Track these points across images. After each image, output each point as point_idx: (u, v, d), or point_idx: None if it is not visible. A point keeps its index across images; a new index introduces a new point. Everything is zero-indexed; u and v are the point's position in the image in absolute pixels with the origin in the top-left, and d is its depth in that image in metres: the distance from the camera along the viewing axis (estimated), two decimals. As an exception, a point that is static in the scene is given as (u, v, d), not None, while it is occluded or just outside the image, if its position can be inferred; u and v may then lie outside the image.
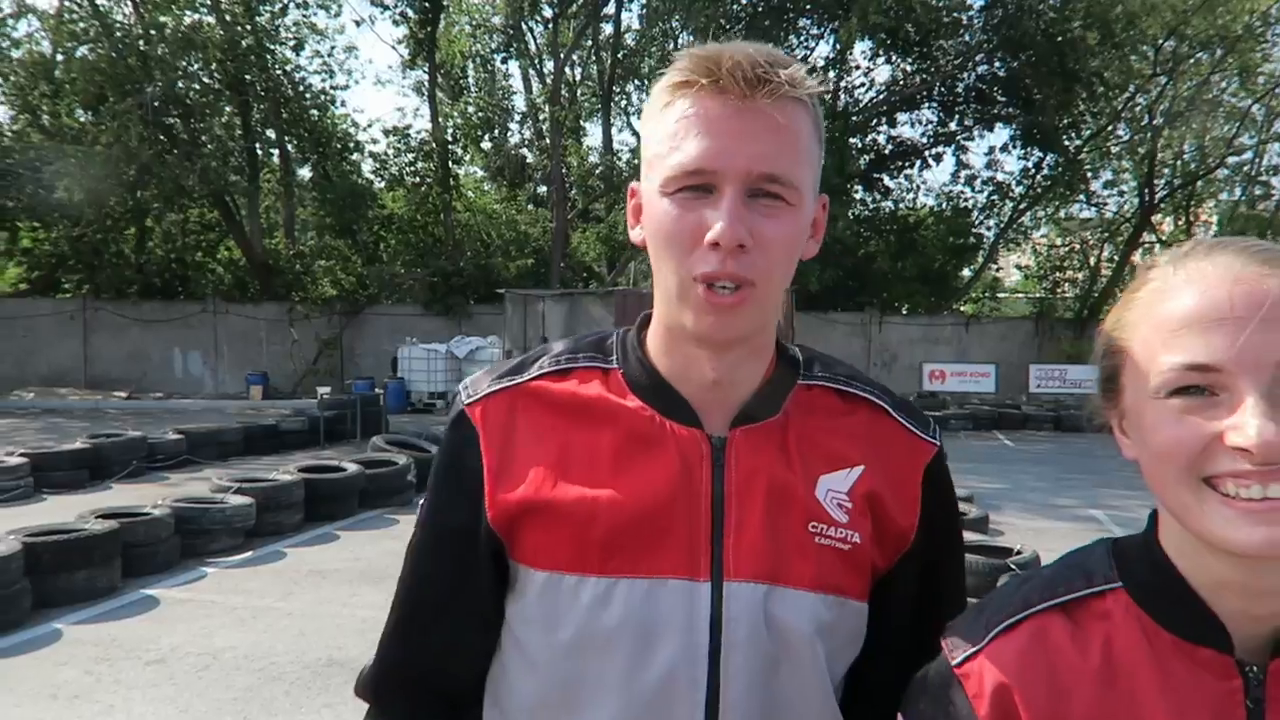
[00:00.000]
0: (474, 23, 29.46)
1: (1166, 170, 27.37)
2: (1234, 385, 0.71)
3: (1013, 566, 5.46)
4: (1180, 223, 28.19)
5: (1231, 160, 26.88)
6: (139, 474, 10.71)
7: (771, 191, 0.88)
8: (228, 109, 23.72)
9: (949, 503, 1.05)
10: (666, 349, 0.98)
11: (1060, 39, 22.87)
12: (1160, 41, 24.39)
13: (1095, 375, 0.87)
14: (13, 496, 9.03)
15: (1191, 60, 25.07)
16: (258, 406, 20.23)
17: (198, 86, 23.10)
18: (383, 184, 26.45)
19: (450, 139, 25.79)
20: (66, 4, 23.27)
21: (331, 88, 26.07)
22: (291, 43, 25.00)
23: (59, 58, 23.21)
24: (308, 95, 24.76)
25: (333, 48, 27.25)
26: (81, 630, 5.49)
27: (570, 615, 0.94)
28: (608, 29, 26.90)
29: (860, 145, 26.95)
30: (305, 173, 26.02)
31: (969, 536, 6.42)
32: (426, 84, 25.44)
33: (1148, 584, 0.82)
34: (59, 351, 23.53)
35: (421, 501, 1.08)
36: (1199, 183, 27.12)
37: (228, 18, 23.27)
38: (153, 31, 22.27)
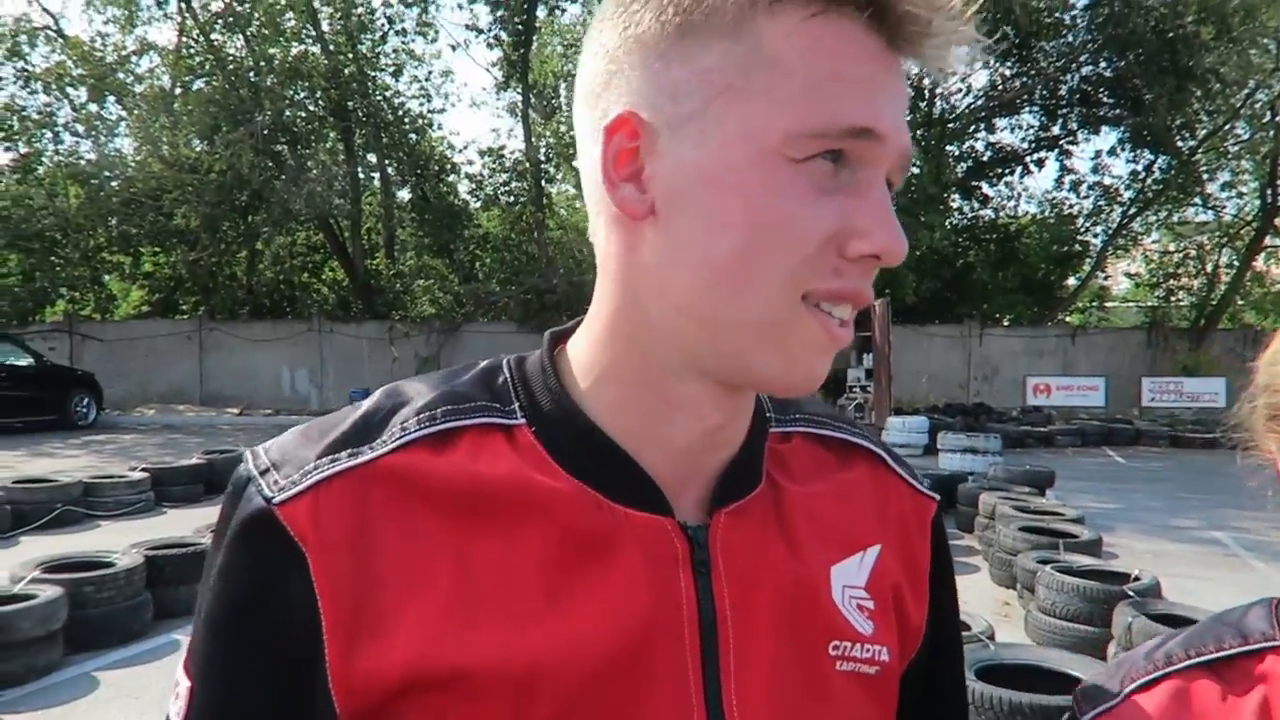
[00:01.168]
0: (565, 43, 29.92)
1: (1291, 170, 25.88)
2: None
3: (1130, 593, 5.17)
4: (1308, 225, 26.64)
5: (1363, 157, 25.29)
6: (249, 489, 11.12)
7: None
8: (332, 135, 24.64)
9: (953, 577, 0.80)
10: (621, 394, 0.65)
11: (1172, 35, 21.87)
12: (1282, 34, 23.13)
13: (1255, 404, 0.80)
14: (136, 510, 9.46)
15: (1318, 52, 23.69)
16: (360, 422, 20.86)
17: (303, 114, 24.08)
18: (478, 204, 27.07)
19: (543, 158, 26.21)
20: (184, 40, 24.58)
21: (429, 111, 26.96)
22: (391, 69, 25.84)
23: (177, 91, 24.46)
24: (407, 119, 25.54)
25: (430, 72, 28.11)
26: (195, 642, 5.70)
27: None
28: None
29: (958, 153, 26.35)
30: (405, 194, 26.82)
31: (1083, 560, 6.13)
32: (520, 105, 25.91)
33: None
34: (177, 370, 24.70)
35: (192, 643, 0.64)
36: (1327, 182, 25.56)
37: (331, 47, 24.19)
38: (262, 63, 23.33)
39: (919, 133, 25.18)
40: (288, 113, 23.28)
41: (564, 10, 27.02)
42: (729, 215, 0.58)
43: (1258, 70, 23.84)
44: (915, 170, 24.73)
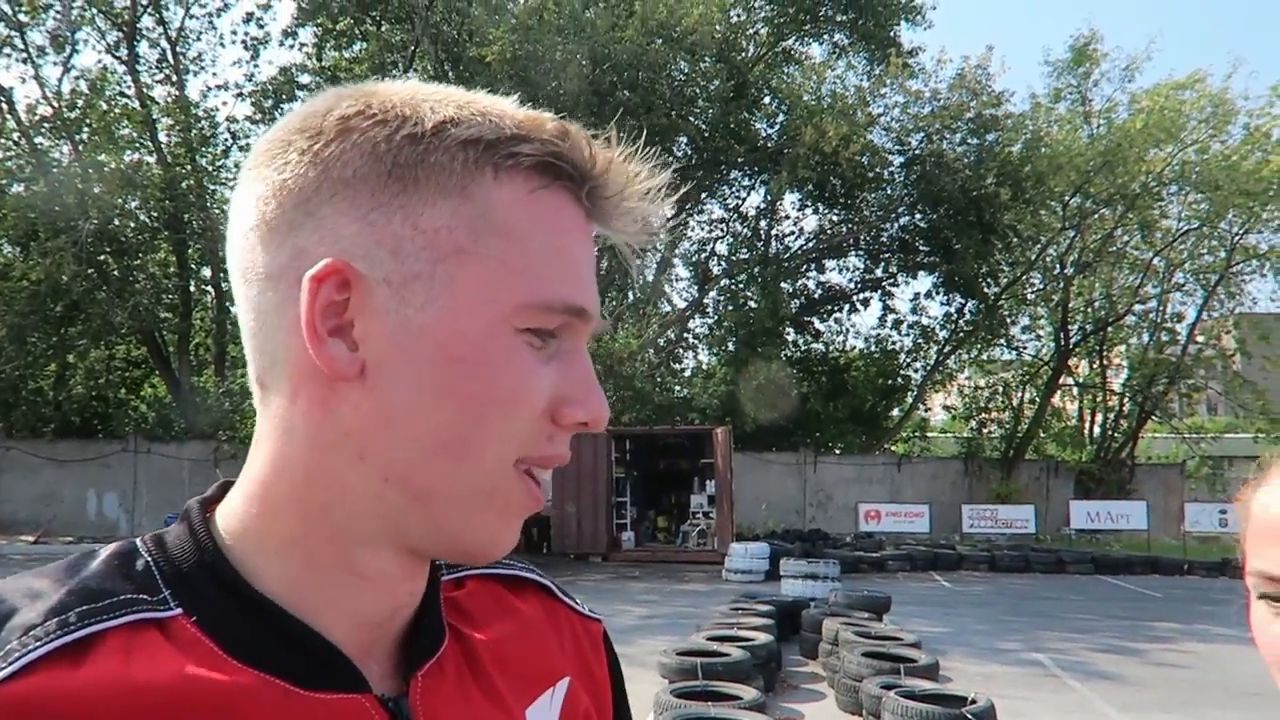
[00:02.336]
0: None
1: (1079, 316, 28.84)
2: None
3: (969, 716, 5.36)
4: (1095, 366, 29.51)
5: (1138, 308, 28.52)
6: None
7: None
8: (164, 246, 23.63)
9: (624, 693, 0.79)
10: (302, 569, 0.57)
11: (976, 194, 24.34)
12: (1067, 198, 26.15)
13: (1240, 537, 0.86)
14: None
15: (1096, 215, 26.89)
16: (175, 551, 19.34)
17: (134, 224, 23.04)
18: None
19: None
20: (1, 140, 23.26)
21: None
22: (232, 183, 25.23)
23: (-10, 193, 23.02)
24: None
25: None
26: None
27: None
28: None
29: (791, 290, 27.93)
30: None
31: (924, 685, 6.32)
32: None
33: None
34: (-37, 493, 22.34)
35: None
36: (1109, 329, 28.57)
37: (169, 158, 23.46)
38: (90, 170, 22.31)
39: (756, 270, 26.63)
40: (116, 221, 22.21)
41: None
42: (457, 383, 0.55)
43: (1048, 228, 26.79)
44: (753, 305, 26.04)
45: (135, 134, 23.56)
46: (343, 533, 0.57)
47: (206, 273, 24.99)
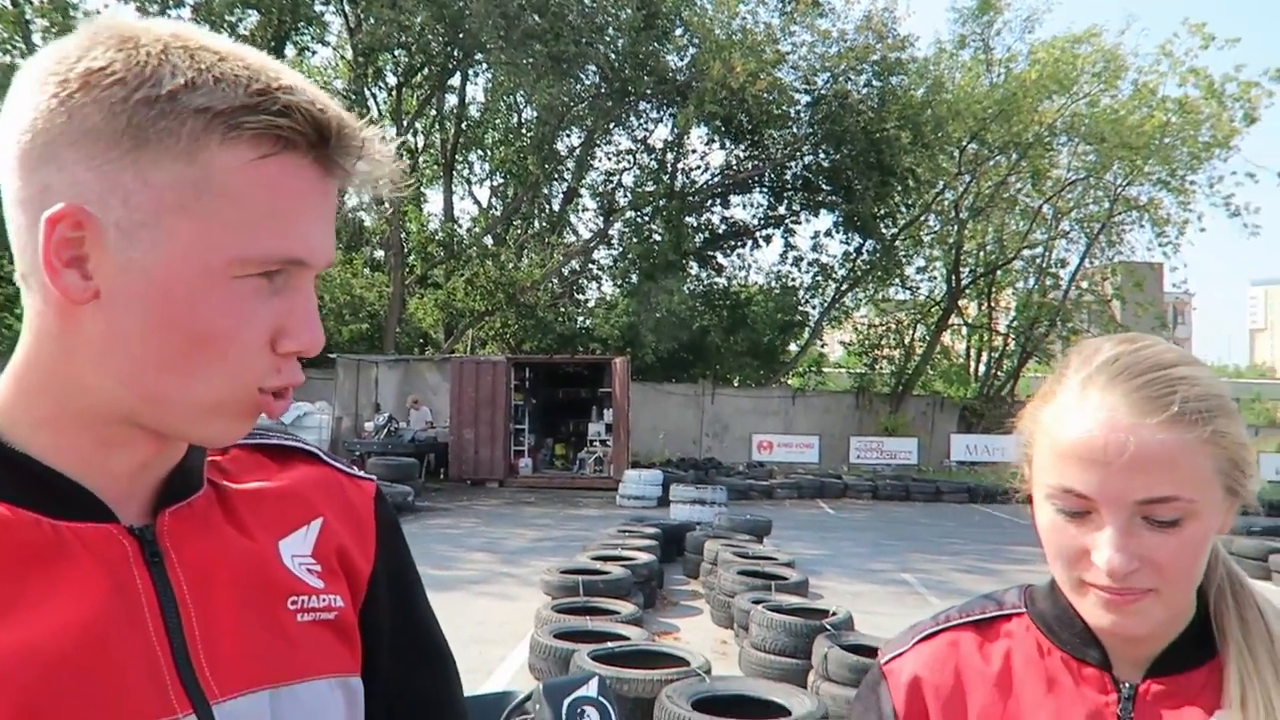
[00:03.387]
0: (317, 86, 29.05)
1: (971, 259, 29.92)
2: (1100, 512, 0.85)
3: (828, 627, 5.71)
4: (983, 307, 30.77)
5: (1026, 253, 29.76)
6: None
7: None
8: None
9: (401, 538, 0.93)
10: (63, 435, 0.68)
11: (877, 135, 24.81)
12: (964, 144, 26.89)
13: (1018, 448, 0.98)
14: None
15: (991, 162, 27.76)
16: None
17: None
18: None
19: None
20: None
21: None
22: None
23: None
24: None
25: None
26: None
27: None
28: (452, 99, 27.11)
29: (695, 224, 28.14)
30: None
31: (791, 600, 6.69)
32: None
33: (1046, 612, 0.97)
34: None
35: None
36: (998, 272, 29.76)
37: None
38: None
39: (661, 203, 26.69)
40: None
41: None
42: (177, 319, 0.64)
43: (945, 173, 27.56)
44: (657, 238, 26.15)
45: (6, 34, 21.94)
46: (87, 415, 0.68)
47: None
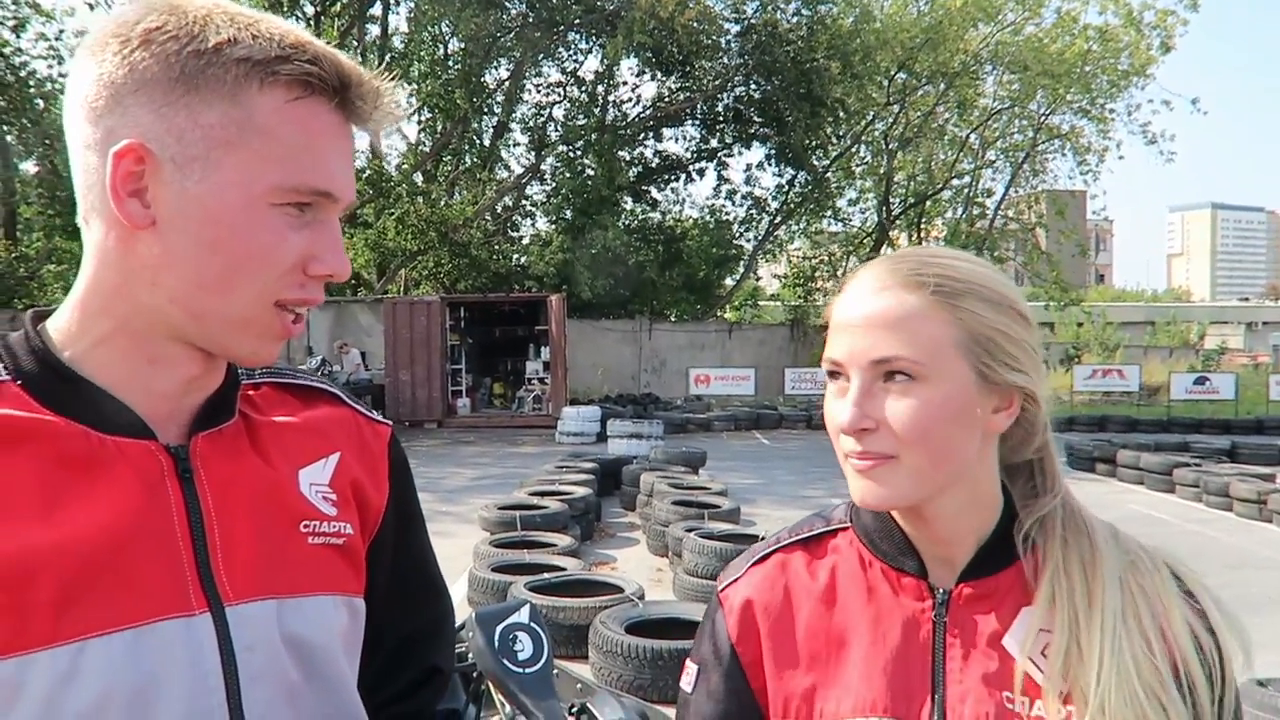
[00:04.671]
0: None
1: (901, 190, 30.30)
2: (848, 376, 0.90)
3: (758, 551, 5.93)
4: (914, 238, 31.27)
5: (954, 183, 30.23)
6: None
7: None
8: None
9: (410, 481, 1.03)
10: (117, 354, 0.80)
11: (807, 66, 24.74)
12: (893, 74, 27.00)
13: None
14: None
15: (919, 92, 27.93)
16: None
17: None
18: (123, 183, 24.40)
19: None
20: None
21: (60, 75, 23.73)
22: (11, 23, 22.55)
23: None
24: (31, 83, 22.41)
25: (61, 31, 24.71)
26: None
27: (18, 714, 0.70)
28: (374, 30, 26.23)
29: (629, 158, 27.89)
30: (30, 167, 23.53)
31: (723, 527, 6.91)
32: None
33: (869, 525, 0.99)
34: None
35: None
36: (928, 202, 30.21)
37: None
38: None
39: (593, 137, 26.38)
40: None
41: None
42: (220, 241, 0.76)
43: (875, 103, 27.68)
44: (590, 173, 25.90)
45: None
46: (140, 333, 0.80)
47: (-12, 125, 22.51)
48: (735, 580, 1.03)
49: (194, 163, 0.75)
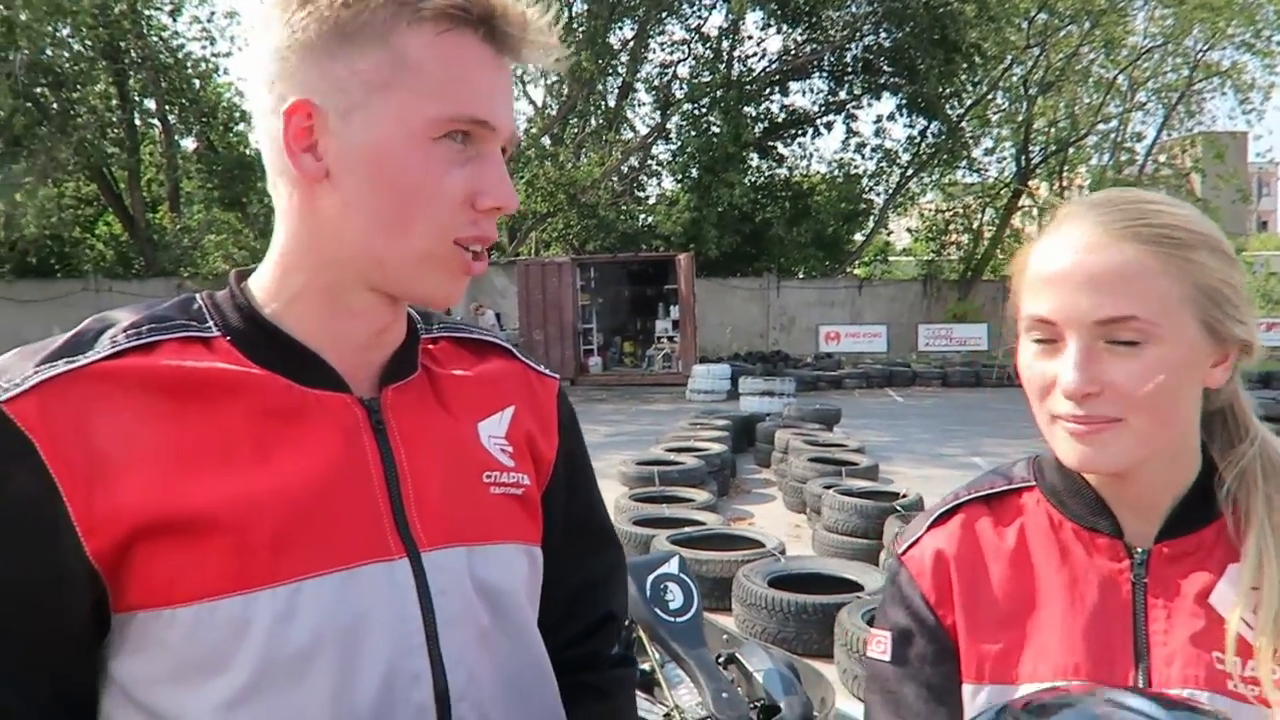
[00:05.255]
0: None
1: (1041, 137, 28.78)
2: (1065, 338, 0.86)
3: (898, 509, 5.90)
4: (1055, 187, 29.75)
5: (1100, 127, 28.49)
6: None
7: None
8: (103, 78, 22.64)
9: (578, 432, 1.06)
10: (312, 308, 0.83)
11: (941, 10, 23.73)
12: (1033, 14, 25.55)
13: (1011, 300, 1.00)
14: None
15: (1062, 32, 26.36)
16: (149, 387, 19.58)
17: (68, 54, 21.95)
18: (273, 155, 25.69)
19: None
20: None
21: (213, 55, 25.14)
22: (168, 7, 23.94)
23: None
24: (188, 63, 23.79)
25: (212, 13, 26.17)
26: None
27: (244, 648, 0.74)
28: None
29: (754, 114, 27.48)
30: (189, 144, 25.06)
31: (861, 484, 6.89)
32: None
33: (1056, 484, 0.97)
34: (-74, 336, 22.29)
35: None
36: (1071, 149, 28.61)
37: (99, -19, 22.11)
38: (15, -4, 21.03)
39: (718, 93, 26.12)
40: (49, 51, 21.13)
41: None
42: (389, 181, 0.78)
43: (1013, 46, 26.30)
44: (715, 130, 25.69)
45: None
46: (331, 286, 0.83)
47: (150, 105, 24.05)
48: (917, 540, 1.01)
49: (355, 110, 0.77)
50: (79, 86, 21.82)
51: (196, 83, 23.88)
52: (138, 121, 23.99)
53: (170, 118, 24.05)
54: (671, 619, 3.70)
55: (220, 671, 0.74)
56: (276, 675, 0.75)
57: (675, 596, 3.93)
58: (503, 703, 0.86)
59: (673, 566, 4.27)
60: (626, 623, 1.14)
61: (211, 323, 0.83)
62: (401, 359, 0.89)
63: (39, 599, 0.72)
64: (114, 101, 22.91)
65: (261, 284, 0.85)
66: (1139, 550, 0.92)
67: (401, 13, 0.77)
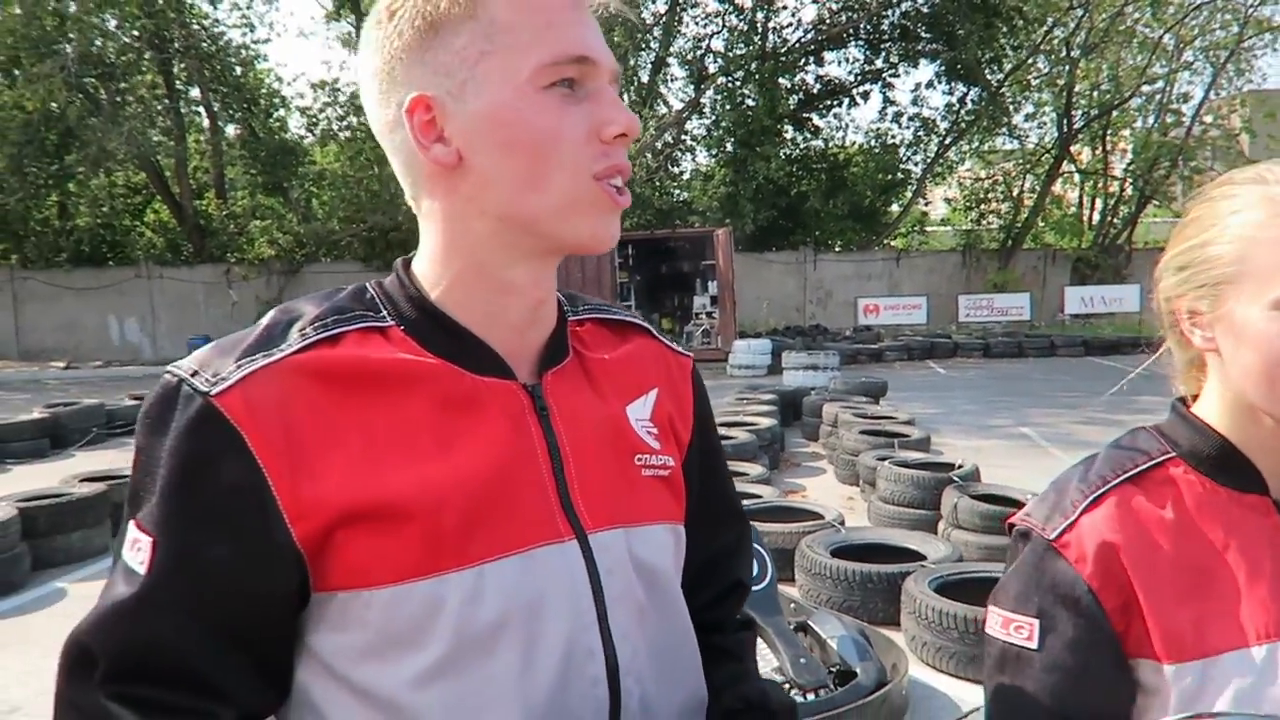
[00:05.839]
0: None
1: (1083, 101, 28.28)
2: None
3: (955, 479, 5.99)
4: (1097, 152, 29.25)
5: (1145, 89, 27.91)
6: (99, 441, 10.77)
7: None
8: (149, 68, 23.06)
9: (710, 410, 1.09)
10: (471, 291, 0.86)
11: (980, -26, 23.36)
12: (1075, -26, 25.06)
13: (1171, 274, 0.99)
14: (-25, 469, 9.07)
15: (1106, -9, 25.83)
16: (202, 370, 20.02)
17: (116, 45, 22.38)
18: (313, 140, 26.02)
19: (381, 91, 25.33)
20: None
21: (253, 42, 25.48)
22: (209, -5, 24.27)
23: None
24: (229, 51, 24.14)
25: (251, 1, 26.40)
26: (84, 587, 5.73)
27: (438, 626, 0.79)
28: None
29: (790, 85, 27.28)
30: (232, 131, 25.46)
31: (915, 456, 6.99)
32: (353, 35, 24.90)
33: (1199, 451, 0.99)
34: (-12, 325, 22.94)
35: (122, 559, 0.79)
36: (1114, 112, 28.11)
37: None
38: (62, -12, 21.45)
39: (753, 66, 25.97)
40: (98, 43, 21.56)
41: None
42: (513, 139, 0.79)
43: (1055, 8, 25.81)
44: (750, 103, 25.56)
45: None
46: (486, 265, 0.85)
47: (195, 93, 24.44)
48: (1071, 525, 0.99)
49: (465, 86, 0.80)
50: (127, 77, 22.26)
51: (238, 69, 24.23)
52: (183, 110, 24.40)
53: (214, 105, 24.44)
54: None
55: (417, 648, 0.79)
56: (467, 650, 0.79)
57: (751, 567, 4.08)
58: (656, 673, 0.90)
59: (745, 538, 4.42)
60: None
61: (385, 312, 0.86)
62: (556, 343, 0.92)
63: (250, 577, 0.77)
64: (160, 91, 23.33)
65: (424, 274, 0.88)
66: None
67: None
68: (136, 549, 0.77)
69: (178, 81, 23.78)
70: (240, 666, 0.79)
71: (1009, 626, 1.01)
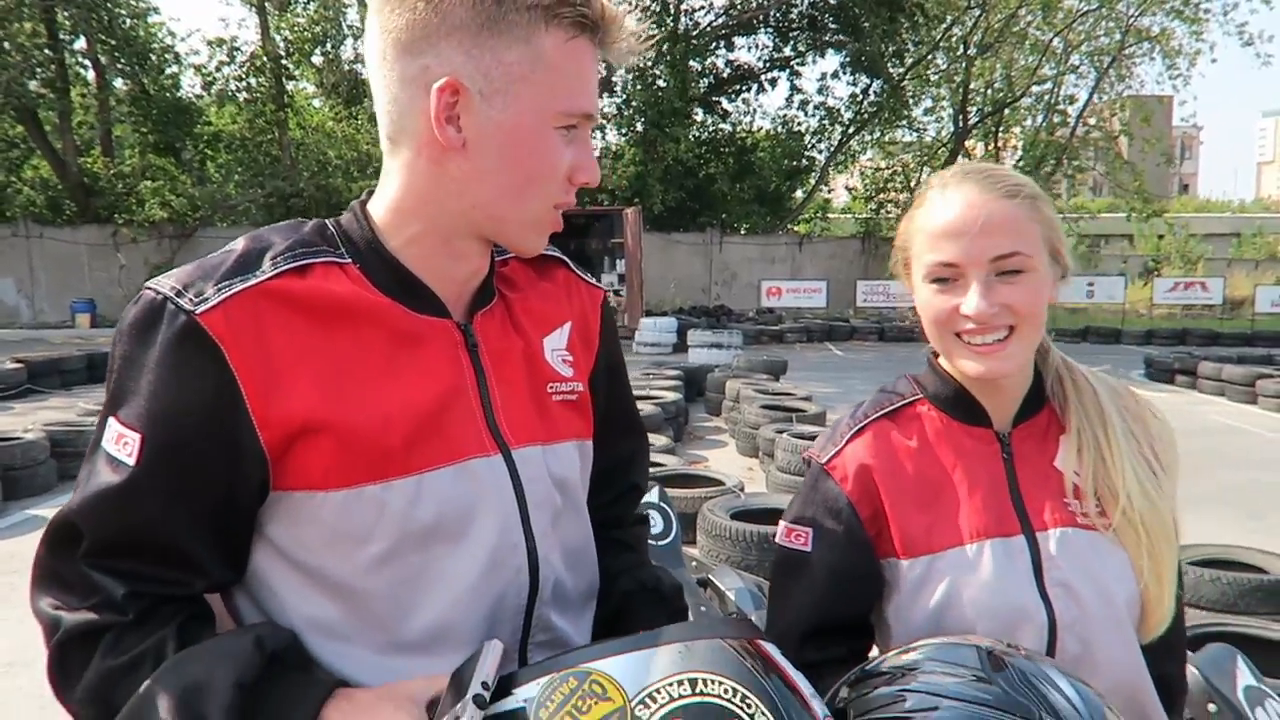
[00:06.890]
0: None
1: (979, 98, 29.39)
2: (965, 275, 1.12)
3: (847, 450, 6.29)
4: (990, 147, 30.46)
5: (1035, 90, 29.18)
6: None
7: None
8: (30, 14, 21.73)
9: (615, 335, 1.23)
10: (426, 249, 0.98)
11: (885, -32, 23.97)
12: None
13: (897, 255, 1.25)
14: None
15: (1001, -6, 26.85)
16: (86, 335, 19.17)
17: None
18: (209, 100, 25.00)
19: (283, 53, 24.51)
20: None
21: (145, -7, 24.24)
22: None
23: None
24: (119, 1, 22.94)
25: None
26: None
27: (382, 524, 0.92)
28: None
29: (700, 68, 27.53)
30: (121, 85, 24.25)
31: (810, 429, 7.30)
32: (253, -9, 24.00)
33: (940, 393, 1.25)
34: None
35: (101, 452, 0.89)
36: (1006, 110, 29.30)
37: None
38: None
39: (664, 46, 26.11)
40: (-27, -14, 20.24)
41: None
42: (519, 157, 0.92)
43: (954, 7, 26.73)
44: (662, 85, 25.71)
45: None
46: (445, 233, 0.98)
47: (81, 44, 23.16)
48: (838, 452, 1.24)
49: (497, 94, 0.90)
50: (5, 24, 20.94)
51: (128, 21, 23.06)
52: (67, 61, 23.12)
53: (101, 58, 23.23)
54: (654, 543, 4.00)
55: (366, 542, 0.92)
56: (409, 543, 0.93)
57: (657, 522, 4.27)
58: (566, 564, 1.07)
59: (654, 495, 4.60)
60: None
61: (344, 249, 0.96)
62: (485, 288, 1.05)
63: (224, 472, 0.88)
64: (43, 40, 22.04)
65: (381, 220, 0.98)
66: (1004, 435, 1.22)
67: (542, 16, 0.89)
68: (123, 443, 0.87)
69: (61, 31, 22.49)
70: (212, 545, 0.91)
71: (790, 535, 1.25)
